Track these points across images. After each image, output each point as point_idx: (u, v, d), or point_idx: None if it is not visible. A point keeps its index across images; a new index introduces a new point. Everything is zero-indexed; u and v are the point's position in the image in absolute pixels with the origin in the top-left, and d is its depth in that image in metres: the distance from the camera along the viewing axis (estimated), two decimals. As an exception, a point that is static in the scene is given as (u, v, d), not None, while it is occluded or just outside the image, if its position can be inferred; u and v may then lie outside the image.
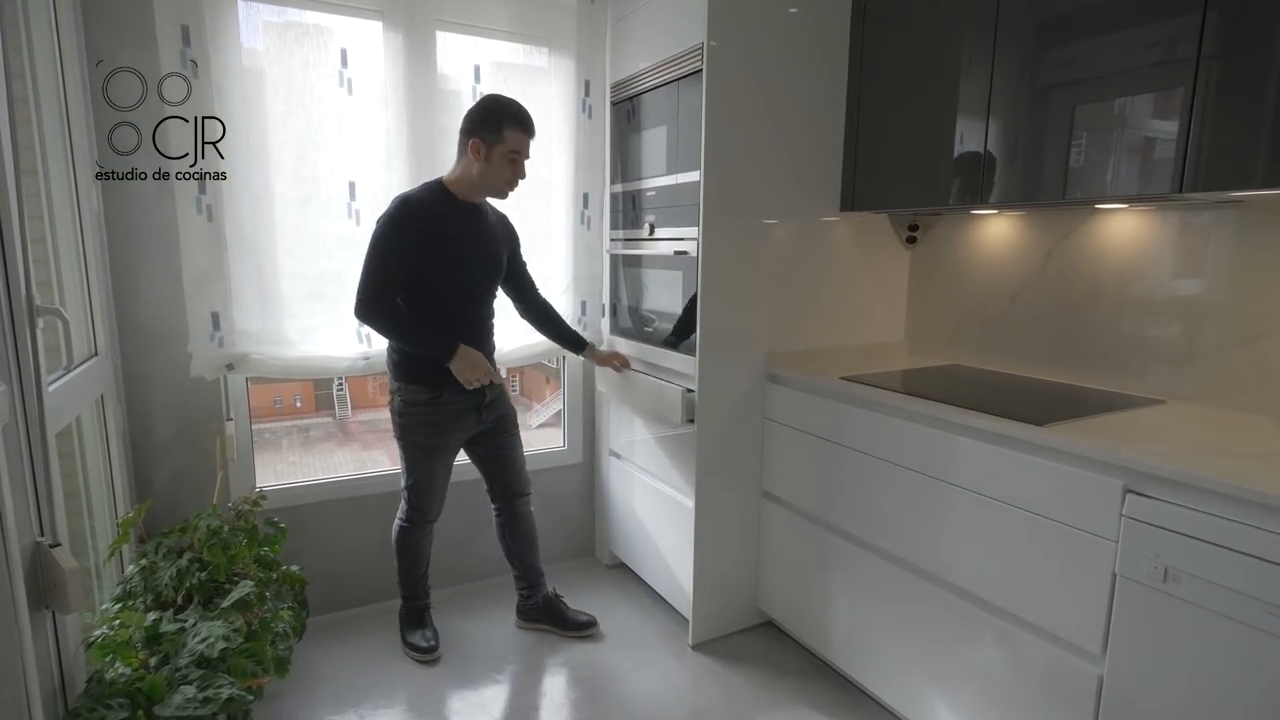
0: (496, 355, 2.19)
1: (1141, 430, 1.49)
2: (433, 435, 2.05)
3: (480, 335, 2.07)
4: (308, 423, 8.10)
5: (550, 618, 2.33)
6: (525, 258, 2.25)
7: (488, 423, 2.14)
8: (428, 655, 2.14)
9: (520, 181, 1.99)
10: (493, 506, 2.30)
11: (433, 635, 2.20)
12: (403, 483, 2.13)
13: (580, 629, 2.31)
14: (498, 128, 1.91)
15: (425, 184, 1.98)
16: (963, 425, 1.58)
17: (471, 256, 2.00)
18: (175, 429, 2.11)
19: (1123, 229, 1.82)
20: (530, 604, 2.35)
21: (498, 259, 2.10)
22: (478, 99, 1.99)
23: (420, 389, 2.00)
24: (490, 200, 2.07)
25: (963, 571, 1.60)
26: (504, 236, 2.13)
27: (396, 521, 2.18)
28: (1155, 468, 1.25)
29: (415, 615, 2.24)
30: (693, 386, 2.10)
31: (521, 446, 2.27)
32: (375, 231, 1.90)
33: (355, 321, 2.19)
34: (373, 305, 1.90)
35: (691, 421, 2.11)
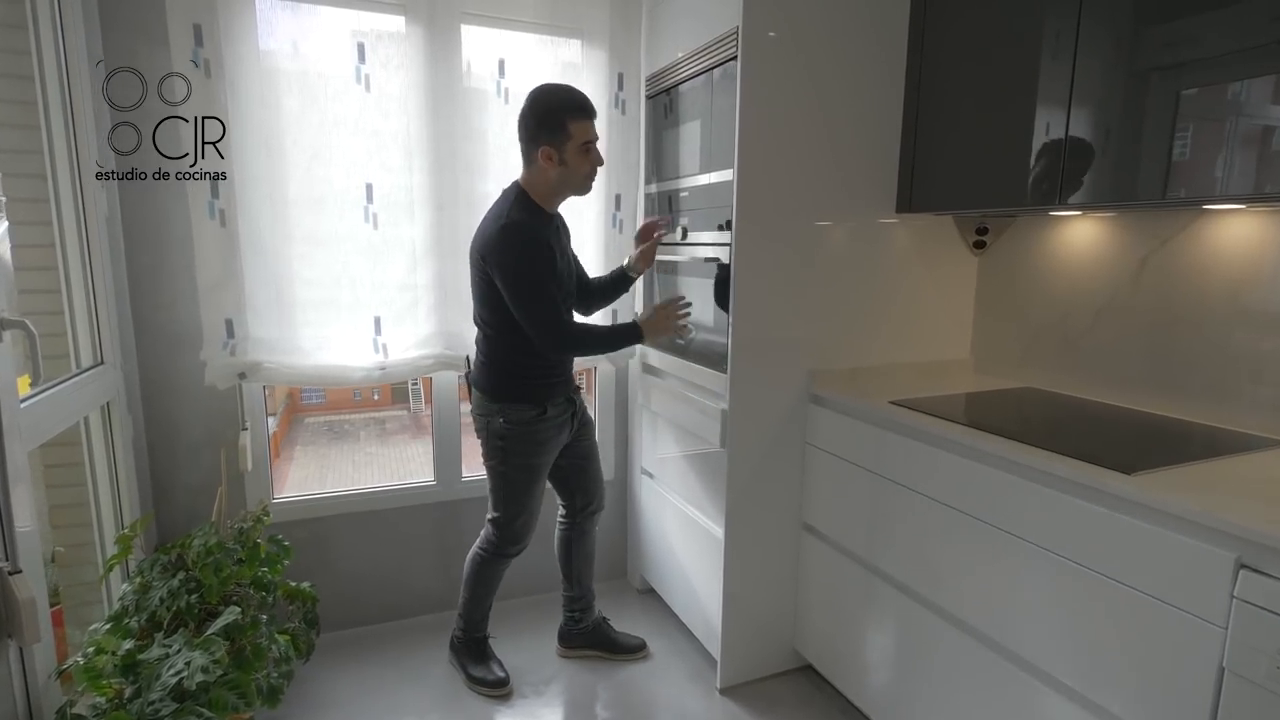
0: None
1: (1260, 483, 1.21)
2: (538, 454, 1.93)
3: None
4: (384, 415, 8.35)
5: (598, 643, 2.19)
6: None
7: (574, 433, 2.02)
8: (500, 689, 2.01)
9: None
10: (560, 521, 2.17)
11: (501, 666, 2.07)
12: (493, 513, 1.98)
13: (631, 652, 2.18)
14: (560, 124, 1.74)
15: (518, 203, 1.79)
16: (1031, 468, 1.34)
17: (565, 267, 1.88)
18: (196, 436, 2.07)
19: (1238, 233, 1.52)
20: (579, 629, 2.20)
21: (576, 262, 2.03)
22: (531, 95, 1.78)
23: (526, 407, 1.88)
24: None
25: (1031, 642, 1.36)
26: (569, 237, 2.01)
27: (477, 550, 2.04)
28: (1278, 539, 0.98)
29: (477, 646, 2.10)
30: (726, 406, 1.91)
31: (599, 457, 2.16)
32: (519, 268, 1.74)
33: (372, 330, 2.10)
34: (568, 336, 1.83)
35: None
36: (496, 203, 1.85)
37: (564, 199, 1.88)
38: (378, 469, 7.00)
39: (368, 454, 7.37)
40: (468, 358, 2.07)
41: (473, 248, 1.84)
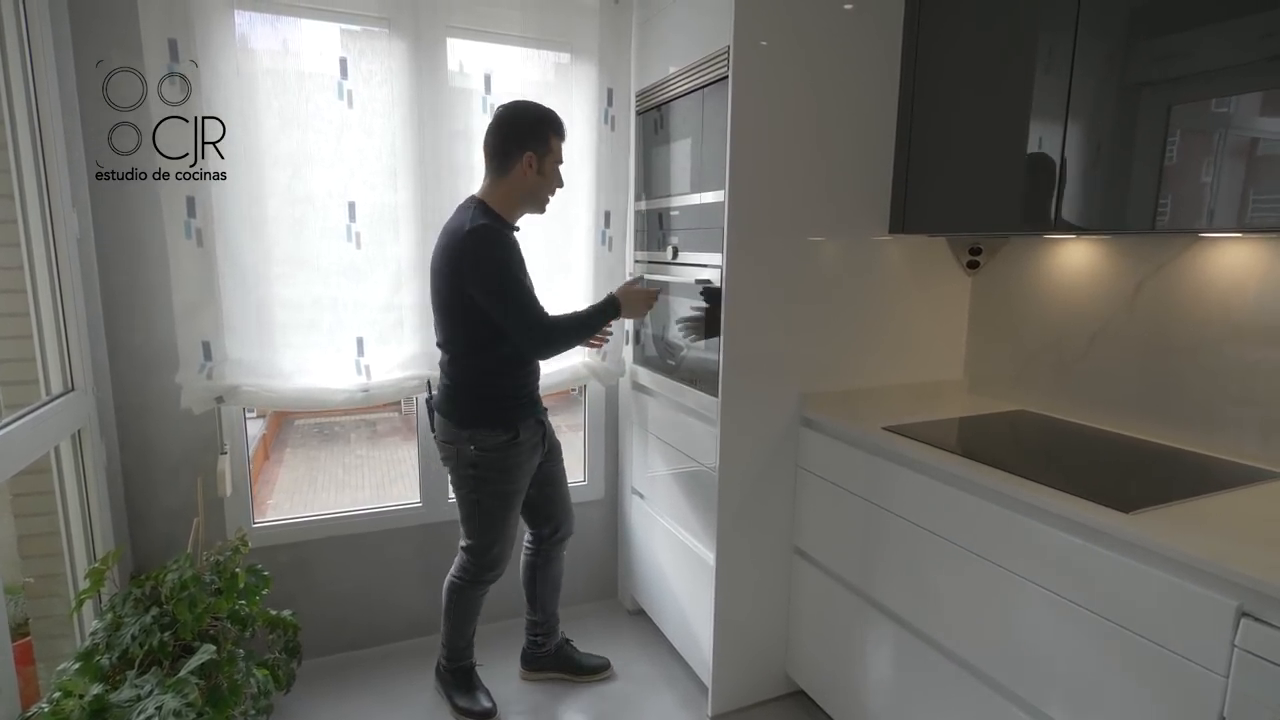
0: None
1: (1261, 522, 1.19)
2: (511, 480, 1.87)
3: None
4: (374, 417, 8.26)
5: (562, 665, 2.16)
6: (542, 280, 2.10)
7: (544, 455, 1.98)
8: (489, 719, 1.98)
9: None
10: (527, 547, 2.13)
11: (488, 696, 2.02)
12: (466, 540, 1.93)
13: (595, 673, 2.15)
14: (545, 138, 1.78)
15: (479, 211, 1.75)
16: (1025, 503, 1.31)
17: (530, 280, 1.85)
18: (174, 460, 2.02)
19: (1234, 260, 1.50)
20: (541, 652, 2.17)
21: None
22: (509, 106, 1.80)
23: (497, 432, 1.83)
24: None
25: (1025, 678, 1.33)
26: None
27: (453, 579, 1.97)
28: (1283, 590, 0.96)
29: (463, 675, 2.05)
30: (716, 429, 1.87)
31: (567, 482, 2.11)
32: (497, 268, 1.71)
33: (354, 351, 2.05)
34: (553, 329, 1.78)
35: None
36: (454, 216, 1.81)
37: (524, 213, 1.85)
38: (369, 471, 6.92)
39: (358, 456, 7.29)
40: (429, 382, 2.03)
41: (436, 264, 1.79)
